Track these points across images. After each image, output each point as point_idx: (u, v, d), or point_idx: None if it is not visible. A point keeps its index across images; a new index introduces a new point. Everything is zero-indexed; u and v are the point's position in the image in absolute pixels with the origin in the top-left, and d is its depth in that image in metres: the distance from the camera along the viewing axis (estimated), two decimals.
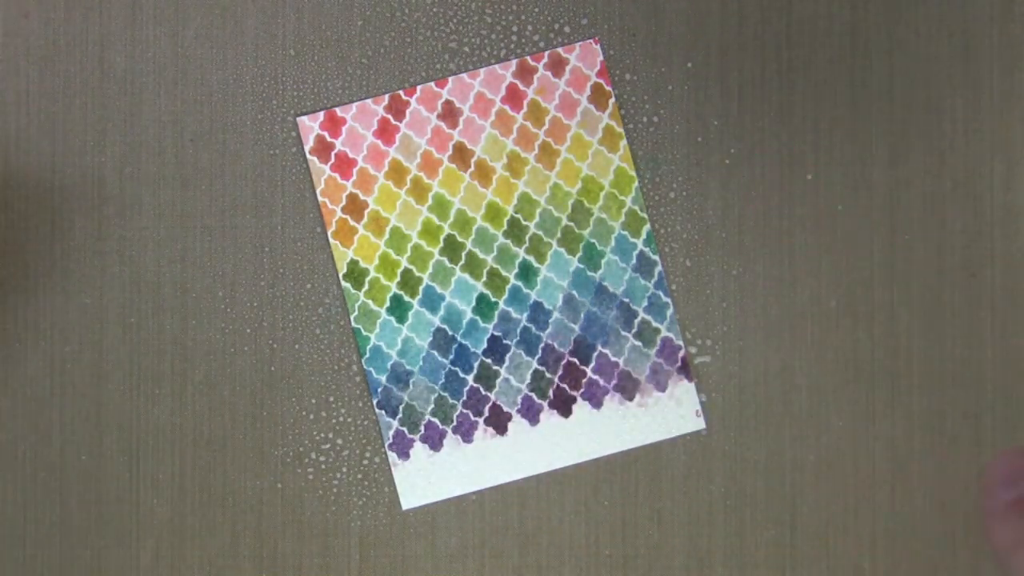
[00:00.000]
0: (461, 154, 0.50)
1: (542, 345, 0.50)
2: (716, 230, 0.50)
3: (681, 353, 0.50)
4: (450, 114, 0.50)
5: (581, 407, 0.50)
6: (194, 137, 0.50)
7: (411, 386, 0.50)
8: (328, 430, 0.50)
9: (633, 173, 0.50)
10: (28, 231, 0.50)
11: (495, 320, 0.50)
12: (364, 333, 0.50)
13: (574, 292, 0.50)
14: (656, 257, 0.50)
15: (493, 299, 0.50)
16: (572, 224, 0.50)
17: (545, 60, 0.50)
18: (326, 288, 0.50)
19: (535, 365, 0.50)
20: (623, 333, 0.50)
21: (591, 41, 0.50)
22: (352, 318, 0.50)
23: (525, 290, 0.50)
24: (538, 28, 0.50)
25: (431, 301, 0.50)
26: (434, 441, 0.50)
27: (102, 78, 0.50)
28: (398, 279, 0.50)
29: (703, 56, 0.50)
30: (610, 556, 0.49)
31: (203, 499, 0.50)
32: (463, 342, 0.50)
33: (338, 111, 0.50)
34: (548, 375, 0.50)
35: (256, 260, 0.50)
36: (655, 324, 0.50)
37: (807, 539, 0.49)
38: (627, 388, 0.50)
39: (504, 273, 0.50)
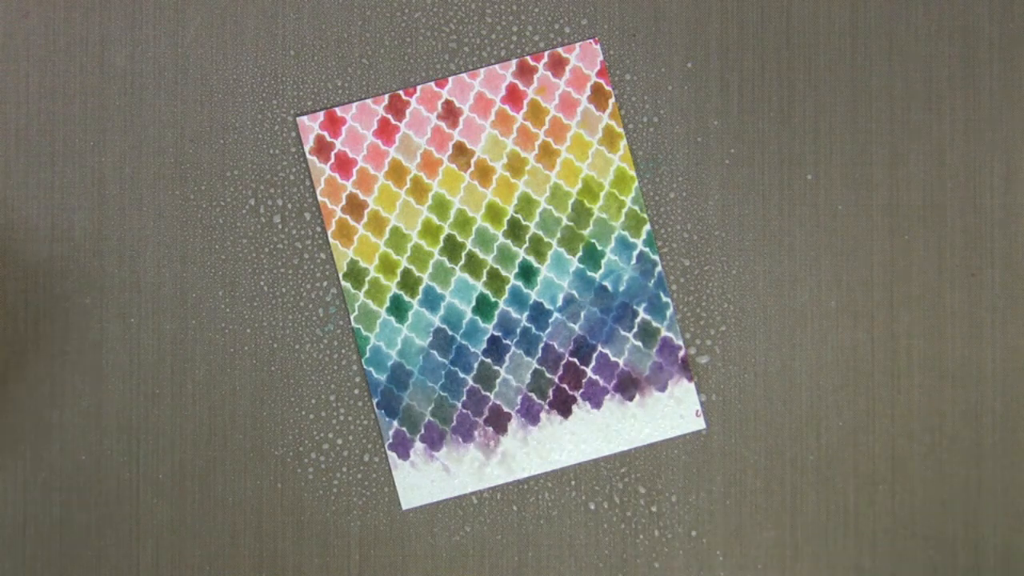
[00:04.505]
0: (461, 154, 0.50)
1: (542, 345, 0.50)
2: (716, 230, 0.50)
3: (681, 353, 0.50)
4: (450, 114, 0.50)
5: (581, 407, 0.50)
6: (194, 137, 0.50)
7: (411, 386, 0.50)
8: (328, 430, 0.50)
9: (633, 173, 0.50)
10: (28, 231, 0.50)
11: (495, 320, 0.50)
12: (364, 333, 0.50)
13: (574, 292, 0.50)
14: (656, 257, 0.50)
15: (493, 299, 0.50)
16: (572, 224, 0.50)
17: (545, 60, 0.50)
18: (326, 288, 0.50)
19: (535, 365, 0.50)
20: (623, 333, 0.50)
21: (591, 41, 0.50)
22: (352, 318, 0.50)
23: (525, 290, 0.50)
24: (538, 28, 0.50)
25: (431, 301, 0.50)
26: (434, 441, 0.50)
27: (102, 78, 0.50)
28: (398, 279, 0.50)
29: (703, 56, 0.50)
30: (610, 556, 0.49)
31: (203, 499, 0.50)
32: (463, 342, 0.50)
33: (338, 111, 0.50)
34: (548, 375, 0.50)
35: (256, 260, 0.50)
36: (655, 324, 0.50)
37: (807, 539, 0.49)
38: (627, 388, 0.50)
39: (504, 273, 0.50)
